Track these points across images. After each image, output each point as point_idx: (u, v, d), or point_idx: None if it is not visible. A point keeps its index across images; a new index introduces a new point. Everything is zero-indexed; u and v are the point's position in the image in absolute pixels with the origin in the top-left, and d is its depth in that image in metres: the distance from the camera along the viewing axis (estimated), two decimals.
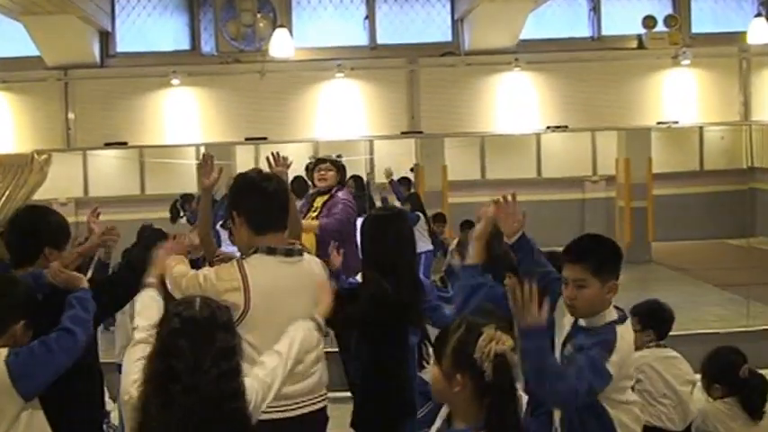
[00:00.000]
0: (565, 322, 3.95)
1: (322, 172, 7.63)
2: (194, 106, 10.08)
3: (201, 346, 2.77)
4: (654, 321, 5.99)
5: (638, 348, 5.96)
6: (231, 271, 3.70)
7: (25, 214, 4.35)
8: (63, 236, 4.22)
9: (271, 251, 3.76)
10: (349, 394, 5.07)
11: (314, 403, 3.81)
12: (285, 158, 4.84)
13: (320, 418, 3.91)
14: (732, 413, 4.93)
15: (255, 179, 3.96)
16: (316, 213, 7.55)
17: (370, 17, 10.71)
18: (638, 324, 5.96)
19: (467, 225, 11.97)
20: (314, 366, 3.82)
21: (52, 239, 4.15)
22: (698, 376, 5.48)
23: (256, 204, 3.85)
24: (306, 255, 3.98)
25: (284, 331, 3.51)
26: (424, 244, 11.05)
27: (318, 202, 7.66)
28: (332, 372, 7.92)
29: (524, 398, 4.80)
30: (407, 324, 4.81)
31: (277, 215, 3.89)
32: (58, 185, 14.08)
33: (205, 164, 4.44)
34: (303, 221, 7.52)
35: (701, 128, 15.87)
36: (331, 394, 7.41)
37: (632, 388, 5.74)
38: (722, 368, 5.06)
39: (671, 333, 6.59)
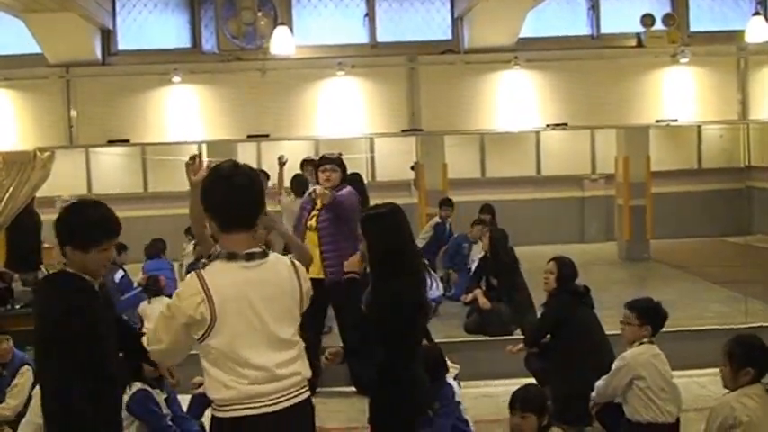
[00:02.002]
0: None
1: (327, 173, 7.69)
2: (196, 104, 10.13)
3: None
4: (651, 318, 6.05)
5: (633, 343, 6.07)
6: (192, 284, 3.58)
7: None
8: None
9: (231, 257, 3.62)
10: (353, 389, 5.11)
11: (295, 396, 3.69)
12: (281, 157, 4.86)
13: (303, 408, 3.76)
14: (762, 401, 4.87)
15: (224, 171, 3.72)
16: (319, 210, 7.64)
17: (371, 15, 10.76)
18: (636, 319, 6.04)
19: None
20: (288, 367, 3.68)
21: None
22: None
23: (222, 198, 3.67)
24: (271, 255, 3.75)
25: (254, 335, 3.57)
26: (433, 291, 10.85)
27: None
28: (338, 367, 7.92)
29: None
30: (418, 323, 4.85)
31: (245, 211, 3.68)
32: (60, 183, 14.11)
33: (192, 161, 4.37)
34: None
35: (699, 126, 15.93)
36: (336, 389, 7.52)
37: (636, 385, 5.85)
38: (755, 352, 5.00)
39: (670, 329, 6.66)
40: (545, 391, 5.40)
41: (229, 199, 3.66)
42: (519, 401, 5.15)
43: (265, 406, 3.57)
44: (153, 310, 8.52)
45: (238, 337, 3.55)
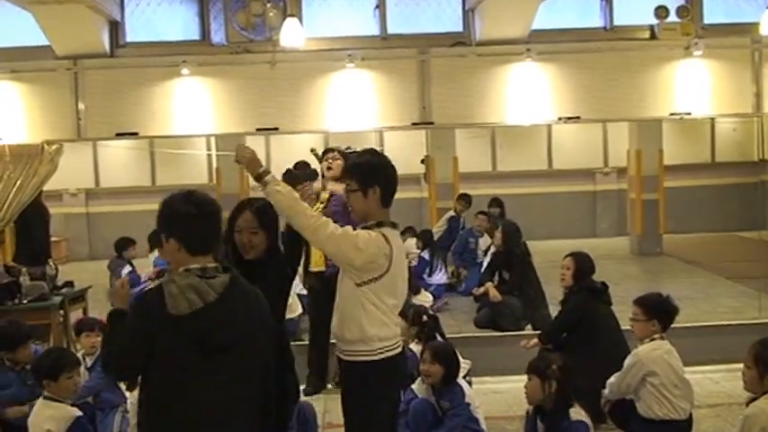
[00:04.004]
0: None
1: (329, 161, 7.61)
2: (205, 96, 10.06)
3: None
4: (660, 313, 5.96)
5: (643, 340, 5.98)
6: (379, 239, 4.23)
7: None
8: None
9: (394, 225, 4.40)
10: None
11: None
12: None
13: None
14: None
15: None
16: (323, 205, 7.52)
17: (381, 7, 10.68)
18: (644, 315, 5.95)
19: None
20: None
21: None
22: None
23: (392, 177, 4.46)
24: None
25: (398, 289, 4.37)
26: (439, 276, 10.95)
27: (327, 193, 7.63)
28: None
29: None
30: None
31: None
32: (68, 176, 14.12)
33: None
34: None
35: (712, 119, 15.82)
36: None
37: (649, 382, 5.77)
38: None
39: (683, 325, 6.58)
40: (555, 357, 5.44)
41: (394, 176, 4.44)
42: (529, 364, 5.56)
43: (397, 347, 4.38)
44: None
45: (392, 288, 4.32)
